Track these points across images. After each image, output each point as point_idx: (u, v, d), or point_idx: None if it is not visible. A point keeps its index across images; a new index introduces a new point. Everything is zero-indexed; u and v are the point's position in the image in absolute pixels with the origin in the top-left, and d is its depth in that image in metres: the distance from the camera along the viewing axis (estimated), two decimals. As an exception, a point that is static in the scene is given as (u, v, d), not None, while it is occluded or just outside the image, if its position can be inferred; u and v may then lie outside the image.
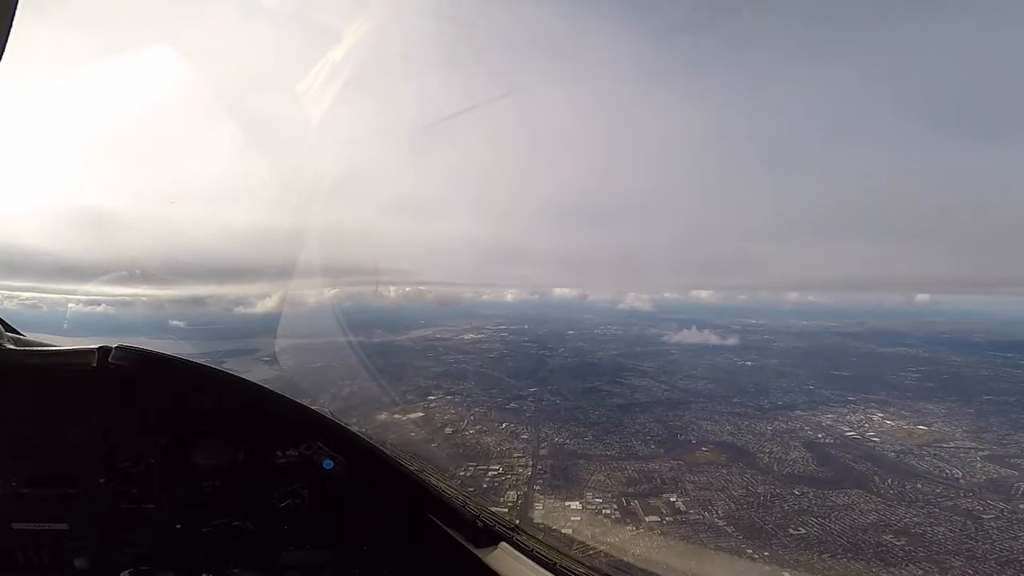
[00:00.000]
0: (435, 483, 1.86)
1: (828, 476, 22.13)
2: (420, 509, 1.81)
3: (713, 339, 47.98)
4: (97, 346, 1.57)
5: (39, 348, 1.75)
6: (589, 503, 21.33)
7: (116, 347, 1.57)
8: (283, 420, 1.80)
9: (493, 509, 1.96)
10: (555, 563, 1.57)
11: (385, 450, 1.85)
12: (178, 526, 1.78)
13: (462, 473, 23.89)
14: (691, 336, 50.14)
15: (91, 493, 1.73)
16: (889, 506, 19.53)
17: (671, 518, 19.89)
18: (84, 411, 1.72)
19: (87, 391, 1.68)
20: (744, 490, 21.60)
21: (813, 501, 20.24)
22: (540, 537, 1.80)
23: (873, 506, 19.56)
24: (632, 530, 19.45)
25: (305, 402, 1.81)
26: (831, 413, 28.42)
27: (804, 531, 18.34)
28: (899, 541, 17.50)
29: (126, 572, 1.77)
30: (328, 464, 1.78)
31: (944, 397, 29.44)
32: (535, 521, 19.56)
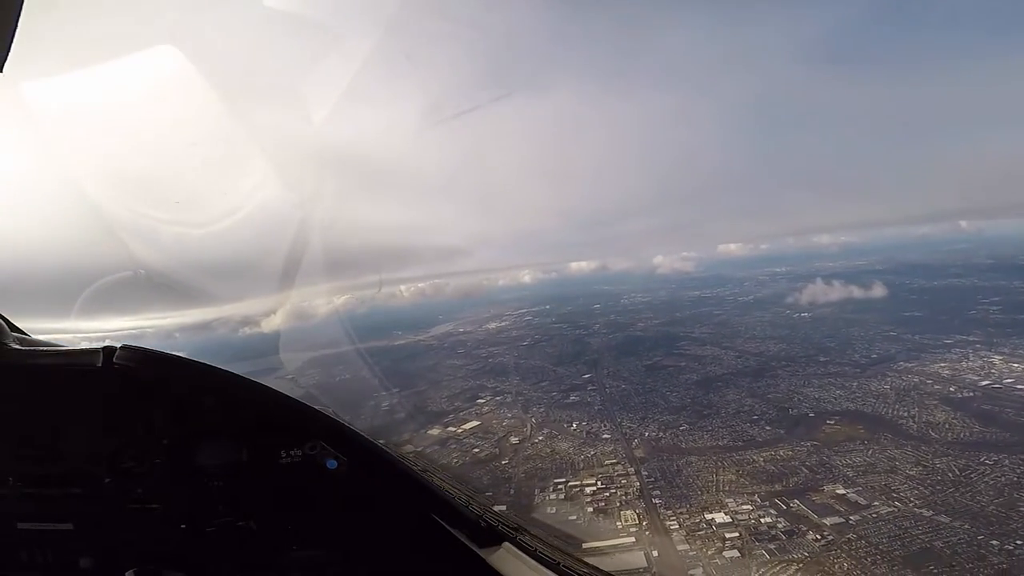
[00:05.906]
0: (439, 482, 1.84)
1: (1008, 437, 18.36)
2: (424, 509, 1.77)
3: (754, 292, 44.94)
4: (102, 346, 1.57)
5: (44, 348, 1.75)
6: (737, 512, 16.75)
7: (121, 347, 1.58)
8: (287, 420, 1.76)
9: (496, 508, 1.99)
10: (558, 563, 1.62)
11: (388, 450, 1.82)
12: (182, 526, 1.73)
13: (553, 496, 18.92)
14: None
15: (96, 493, 1.68)
16: None
17: (856, 516, 15.58)
18: (89, 411, 1.67)
19: (92, 391, 1.64)
20: (920, 467, 17.55)
21: (1019, 469, 16.42)
22: (543, 537, 1.83)
23: (1109, 463, 15.98)
24: (818, 539, 14.95)
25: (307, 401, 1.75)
26: (941, 361, 25.09)
27: (1050, 507, 14.44)
28: None
29: (130, 572, 1.68)
30: (332, 464, 1.71)
31: (1050, 328, 26.99)
32: (678, 549, 15.15)
